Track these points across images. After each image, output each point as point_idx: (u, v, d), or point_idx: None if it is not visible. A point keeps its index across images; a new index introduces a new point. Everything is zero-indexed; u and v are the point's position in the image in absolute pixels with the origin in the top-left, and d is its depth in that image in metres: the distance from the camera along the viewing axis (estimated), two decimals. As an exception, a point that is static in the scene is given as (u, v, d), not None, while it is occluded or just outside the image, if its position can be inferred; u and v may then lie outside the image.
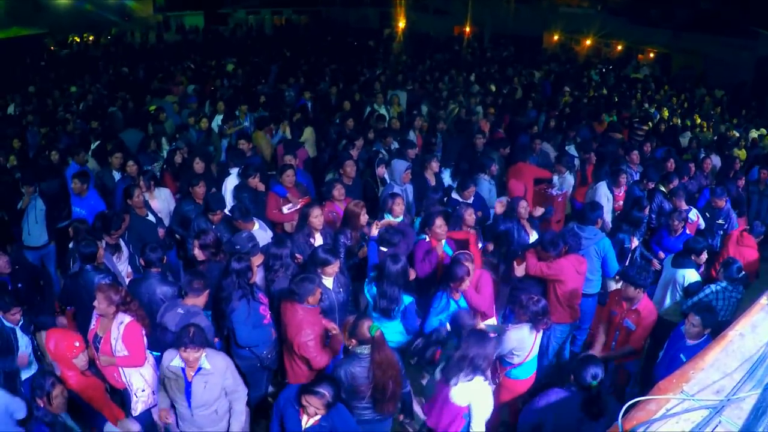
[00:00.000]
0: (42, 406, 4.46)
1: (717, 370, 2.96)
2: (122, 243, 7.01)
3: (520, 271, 6.46)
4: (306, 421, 4.26)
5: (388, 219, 6.84)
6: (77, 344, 5.03)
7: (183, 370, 4.66)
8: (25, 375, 5.46)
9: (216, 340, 5.46)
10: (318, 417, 4.24)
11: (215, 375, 4.70)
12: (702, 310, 5.24)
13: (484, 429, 4.74)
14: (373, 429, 4.95)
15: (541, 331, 5.30)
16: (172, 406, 5.00)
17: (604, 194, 8.65)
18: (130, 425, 5.39)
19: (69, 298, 6.28)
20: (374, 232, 6.42)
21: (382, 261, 5.75)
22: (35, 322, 5.74)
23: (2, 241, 7.19)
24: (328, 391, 4.13)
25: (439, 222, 6.46)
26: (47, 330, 5.33)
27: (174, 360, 4.66)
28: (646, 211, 8.12)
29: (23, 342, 5.50)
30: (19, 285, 6.33)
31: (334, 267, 5.74)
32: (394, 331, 5.76)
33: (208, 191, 7.92)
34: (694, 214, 8.29)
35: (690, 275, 6.61)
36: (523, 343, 5.18)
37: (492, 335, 4.96)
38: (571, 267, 6.19)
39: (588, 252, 6.66)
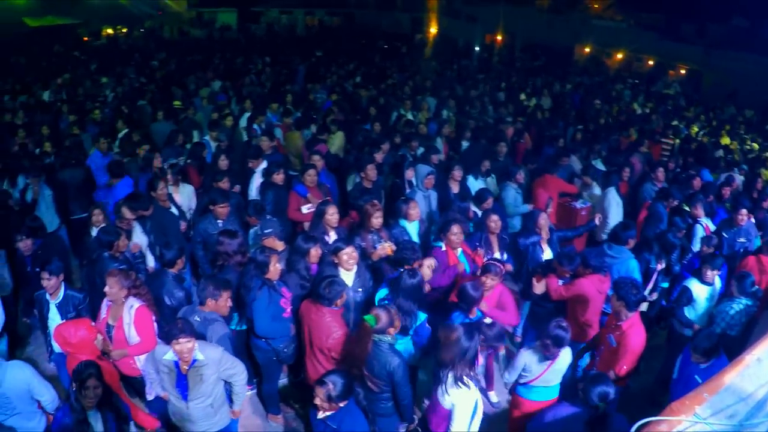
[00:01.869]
0: (74, 390, 4.35)
1: (732, 394, 2.91)
2: (140, 230, 7.03)
3: (539, 288, 6.36)
4: (319, 414, 4.22)
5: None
6: (92, 324, 5.06)
7: (176, 363, 4.63)
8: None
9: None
10: (327, 414, 4.18)
11: (209, 366, 4.66)
12: (698, 347, 5.16)
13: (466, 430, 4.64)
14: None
15: (553, 362, 5.13)
16: None
17: (613, 199, 8.54)
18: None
19: (87, 285, 6.35)
20: (375, 256, 6.39)
21: (398, 276, 5.57)
22: None
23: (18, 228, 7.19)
24: (333, 381, 4.06)
25: (456, 230, 6.34)
26: (53, 329, 5.32)
27: (167, 354, 4.63)
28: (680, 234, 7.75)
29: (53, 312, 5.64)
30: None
31: (351, 254, 5.75)
32: (403, 349, 5.61)
33: (231, 188, 7.97)
34: (711, 223, 8.22)
35: (692, 284, 6.61)
36: (530, 368, 5.13)
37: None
38: (592, 287, 6.05)
39: (611, 271, 6.49)
